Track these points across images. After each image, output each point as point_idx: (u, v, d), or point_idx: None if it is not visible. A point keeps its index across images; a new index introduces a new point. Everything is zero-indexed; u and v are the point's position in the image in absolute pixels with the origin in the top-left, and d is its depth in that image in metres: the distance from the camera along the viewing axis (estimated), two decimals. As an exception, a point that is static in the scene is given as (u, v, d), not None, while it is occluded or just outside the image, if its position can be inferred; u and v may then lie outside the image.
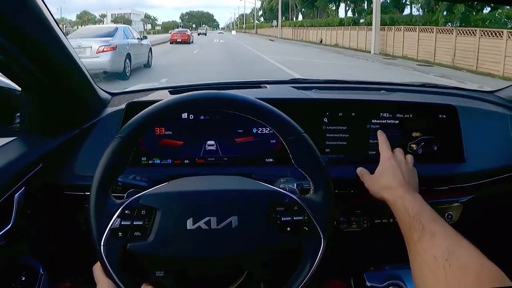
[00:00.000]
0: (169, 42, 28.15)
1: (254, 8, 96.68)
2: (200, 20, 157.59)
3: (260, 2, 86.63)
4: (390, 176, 0.93)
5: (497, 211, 1.28)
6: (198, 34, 55.30)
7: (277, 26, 49.68)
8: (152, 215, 0.73)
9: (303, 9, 46.20)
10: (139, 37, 11.53)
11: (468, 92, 1.48)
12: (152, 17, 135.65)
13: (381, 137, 1.06)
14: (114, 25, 12.52)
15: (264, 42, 33.16)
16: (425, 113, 1.16)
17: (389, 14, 23.24)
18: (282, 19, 49.97)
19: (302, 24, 39.67)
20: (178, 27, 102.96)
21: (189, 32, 31.83)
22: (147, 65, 11.90)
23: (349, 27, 25.47)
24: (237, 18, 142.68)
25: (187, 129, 1.10)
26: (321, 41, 27.91)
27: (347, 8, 36.81)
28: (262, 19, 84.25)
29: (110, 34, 9.83)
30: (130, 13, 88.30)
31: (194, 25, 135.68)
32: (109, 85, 8.23)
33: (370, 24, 21.36)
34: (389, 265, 1.19)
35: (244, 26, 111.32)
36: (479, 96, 1.42)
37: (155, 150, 1.10)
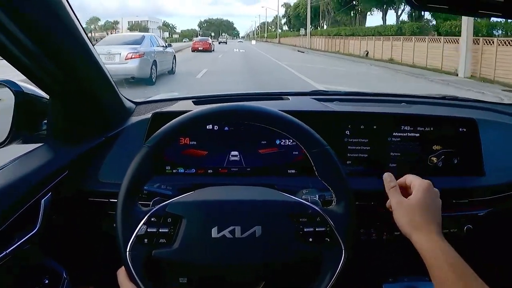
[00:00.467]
0: (190, 50, 28.58)
1: (277, 15, 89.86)
2: (219, 29, 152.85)
3: (283, 9, 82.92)
4: (428, 212, 0.82)
5: None
6: (219, 43, 55.75)
7: (305, 34, 43.05)
8: (178, 223, 0.74)
9: (336, 15, 40.57)
10: (164, 45, 11.96)
11: (488, 104, 1.48)
12: (170, 25, 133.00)
13: None
14: (141, 34, 13.14)
15: (292, 54, 28.48)
16: (445, 126, 1.16)
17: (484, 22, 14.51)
18: (310, 27, 42.57)
19: (338, 32, 32.37)
20: (197, 36, 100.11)
21: (210, 41, 32.12)
22: (171, 71, 12.30)
23: (413, 37, 18.78)
24: (257, 26, 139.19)
25: (211, 139, 1.12)
26: (367, 53, 23.64)
27: (399, 12, 29.80)
28: (285, 27, 78.94)
29: (138, 42, 10.30)
30: (147, 21, 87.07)
31: (213, 34, 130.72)
32: (134, 90, 8.60)
33: (447, 33, 16.29)
34: (407, 276, 1.19)
35: (265, 35, 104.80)
36: (499, 109, 1.42)
37: (180, 159, 1.12)
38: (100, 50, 9.31)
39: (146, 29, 75.94)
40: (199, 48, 28.41)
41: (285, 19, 77.44)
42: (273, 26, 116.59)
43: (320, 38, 37.56)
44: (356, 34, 27.98)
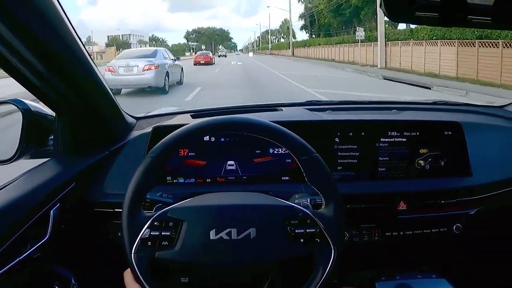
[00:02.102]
0: (192, 64, 28.81)
1: (289, 22, 55.41)
2: (211, 40, 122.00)
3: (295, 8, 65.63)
4: None
5: (503, 223, 1.28)
6: (219, 56, 55.06)
7: (366, 40, 21.32)
8: (179, 226, 0.78)
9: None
10: (173, 58, 12.95)
11: (477, 108, 1.51)
12: (161, 39, 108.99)
13: None
14: (153, 48, 14.38)
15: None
16: (431, 130, 1.19)
17: None
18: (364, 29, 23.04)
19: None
20: (189, 51, 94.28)
21: (211, 55, 33.69)
22: (180, 82, 13.17)
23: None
24: (258, 37, 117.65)
25: (209, 150, 1.16)
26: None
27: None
28: (303, 33, 52.29)
29: (152, 55, 11.33)
30: (129, 35, 78.71)
31: (203, 47, 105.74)
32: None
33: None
34: (399, 275, 1.22)
35: (270, 46, 77.52)
36: (488, 112, 1.45)
37: (179, 169, 1.16)
38: (119, 63, 10.21)
39: (126, 44, 69.20)
40: (201, 62, 29.52)
41: (301, 21, 51.10)
42: (279, 35, 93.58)
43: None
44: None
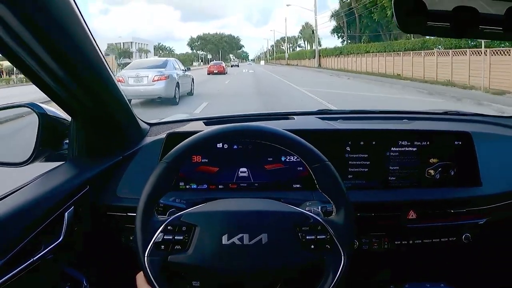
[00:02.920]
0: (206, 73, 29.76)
1: (311, 27, 49.74)
2: (218, 48, 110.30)
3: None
4: None
5: None
6: (231, 66, 55.52)
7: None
8: (192, 231, 0.80)
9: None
10: (184, 69, 12.84)
11: (488, 118, 1.52)
12: (168, 48, 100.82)
13: None
14: (164, 58, 14.14)
15: None
16: (441, 140, 1.20)
17: None
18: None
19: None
20: (197, 61, 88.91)
21: (223, 65, 34.31)
22: (190, 93, 13.03)
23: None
24: (271, 46, 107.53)
25: (221, 157, 1.18)
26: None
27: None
28: (334, 38, 45.67)
29: (162, 66, 11.29)
30: (131, 43, 73.51)
31: (209, 56, 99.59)
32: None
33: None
34: (408, 283, 1.22)
35: (286, 54, 70.36)
36: (498, 122, 1.46)
37: (192, 176, 1.18)
38: (129, 74, 10.17)
39: (127, 52, 65.49)
40: (214, 71, 30.22)
41: (332, 22, 41.85)
42: (295, 43, 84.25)
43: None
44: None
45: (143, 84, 10.49)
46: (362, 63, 25.84)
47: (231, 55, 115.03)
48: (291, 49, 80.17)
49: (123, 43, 72.83)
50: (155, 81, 10.54)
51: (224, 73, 30.64)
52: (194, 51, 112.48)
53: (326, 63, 36.83)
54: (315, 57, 40.77)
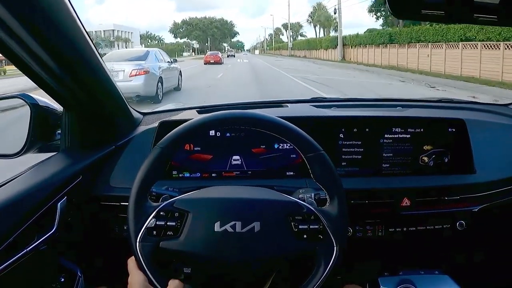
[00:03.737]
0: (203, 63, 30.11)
1: (324, 7, 45.60)
2: (206, 34, 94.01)
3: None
4: None
5: (507, 220, 1.30)
6: (228, 56, 55.82)
7: None
8: (184, 217, 0.80)
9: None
10: (169, 61, 11.37)
11: (482, 106, 1.53)
12: (157, 37, 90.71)
13: None
14: (145, 49, 12.16)
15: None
16: (435, 127, 1.22)
17: None
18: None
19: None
20: (188, 51, 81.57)
21: (220, 55, 34.28)
22: (177, 88, 11.83)
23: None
24: (270, 34, 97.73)
25: (214, 145, 1.18)
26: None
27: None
28: (371, 18, 36.87)
29: (142, 58, 9.73)
30: (112, 30, 67.78)
31: (196, 45, 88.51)
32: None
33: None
34: (402, 270, 1.24)
35: (289, 44, 59.38)
36: (492, 110, 1.47)
37: (185, 164, 1.19)
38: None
39: (108, 41, 60.69)
40: (211, 61, 30.72)
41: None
42: (296, 32, 73.82)
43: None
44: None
45: (118, 79, 8.52)
46: (421, 57, 16.50)
47: (224, 44, 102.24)
48: (292, 38, 68.17)
49: (104, 30, 67.41)
50: (132, 76, 8.98)
51: (220, 63, 30.83)
52: (179, 39, 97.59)
53: (352, 55, 27.56)
54: (336, 46, 30.95)
